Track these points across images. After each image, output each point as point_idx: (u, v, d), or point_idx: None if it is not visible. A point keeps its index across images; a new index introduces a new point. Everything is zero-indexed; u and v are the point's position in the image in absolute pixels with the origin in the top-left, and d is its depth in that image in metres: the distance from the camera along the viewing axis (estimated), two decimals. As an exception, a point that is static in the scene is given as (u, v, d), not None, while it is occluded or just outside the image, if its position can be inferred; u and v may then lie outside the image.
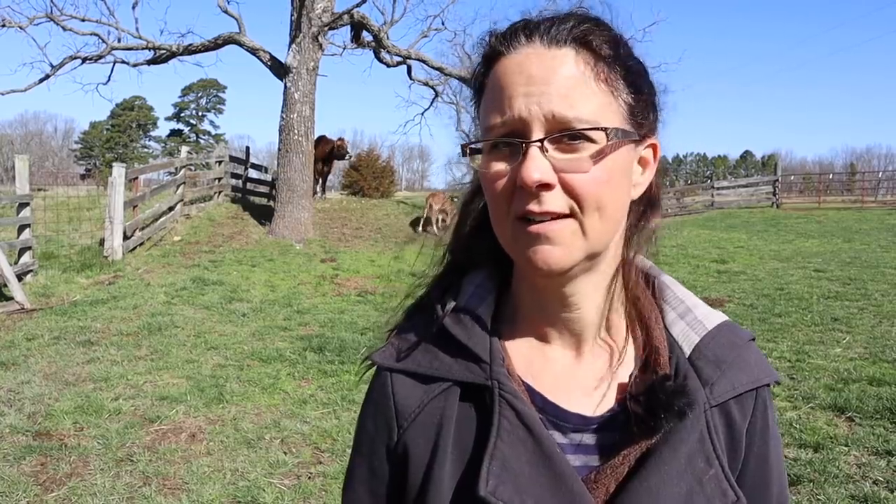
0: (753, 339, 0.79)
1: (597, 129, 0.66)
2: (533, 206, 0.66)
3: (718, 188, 24.71)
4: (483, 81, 0.73)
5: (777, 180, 24.28)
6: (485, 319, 0.77)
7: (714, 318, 0.78)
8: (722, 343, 0.75)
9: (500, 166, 0.69)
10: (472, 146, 0.72)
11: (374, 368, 0.81)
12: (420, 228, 15.42)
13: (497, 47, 0.71)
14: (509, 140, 0.68)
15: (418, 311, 0.83)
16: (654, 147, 0.75)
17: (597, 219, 0.68)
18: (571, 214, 0.67)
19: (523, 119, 0.67)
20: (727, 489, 0.71)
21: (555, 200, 0.66)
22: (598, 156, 0.67)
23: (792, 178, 35.53)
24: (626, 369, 0.76)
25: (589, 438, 0.73)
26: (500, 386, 0.72)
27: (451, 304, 0.79)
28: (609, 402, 0.74)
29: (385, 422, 0.77)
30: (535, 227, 0.67)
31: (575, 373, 0.76)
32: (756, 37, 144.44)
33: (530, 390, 0.74)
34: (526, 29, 0.70)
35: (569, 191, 0.67)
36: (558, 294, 0.74)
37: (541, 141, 0.66)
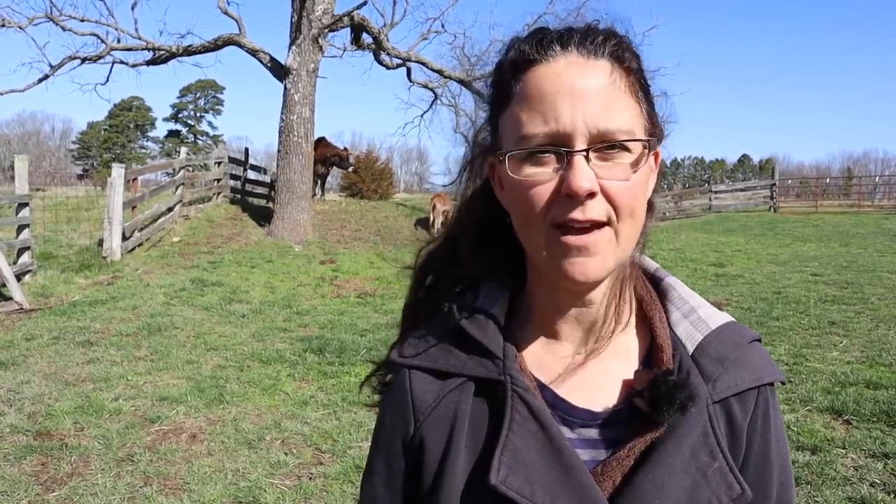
0: (759, 340, 0.81)
1: (636, 140, 0.70)
2: (577, 214, 0.68)
3: (716, 192, 24.76)
4: (510, 88, 0.74)
5: (774, 184, 24.35)
6: (498, 318, 0.80)
7: (718, 318, 0.80)
8: (725, 342, 0.78)
9: (536, 173, 0.70)
10: (509, 154, 0.72)
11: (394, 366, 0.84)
12: (433, 229, 15.48)
13: (531, 55, 0.72)
14: (556, 149, 0.69)
15: (435, 313, 0.86)
16: (656, 155, 0.79)
17: (629, 225, 0.71)
18: (608, 223, 0.70)
19: (567, 127, 0.69)
20: (732, 482, 0.72)
21: (597, 208, 0.69)
22: (636, 164, 0.70)
23: (789, 182, 35.63)
24: (632, 366, 0.78)
25: (596, 433, 0.76)
26: (512, 381, 0.75)
27: (465, 305, 0.82)
28: (615, 399, 0.77)
29: (402, 416, 0.80)
30: (572, 239, 0.69)
31: (584, 370, 0.78)
32: (754, 41, 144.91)
33: (541, 386, 0.77)
34: (561, 39, 0.72)
35: (609, 198, 0.69)
36: (577, 296, 0.77)
37: (586, 151, 0.68)
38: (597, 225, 0.69)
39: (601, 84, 0.70)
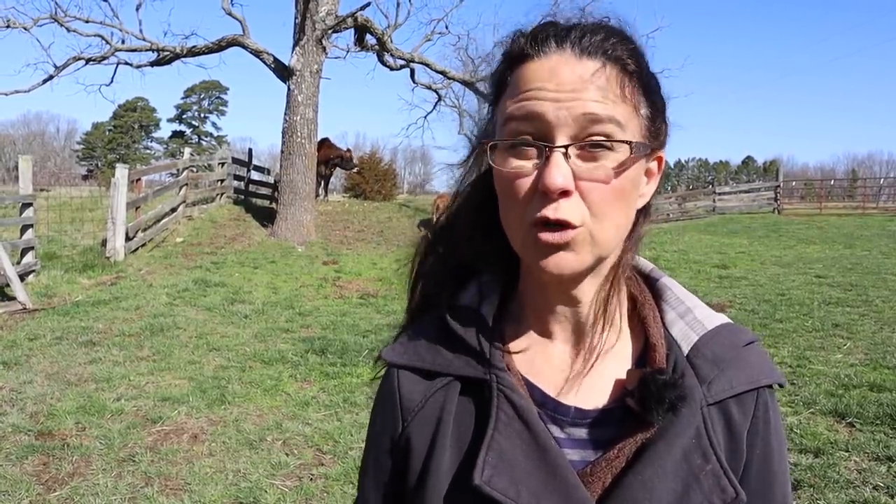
0: (756, 342, 0.79)
1: (622, 141, 0.68)
2: (549, 212, 0.67)
3: (720, 193, 24.70)
4: (505, 79, 0.74)
5: (778, 186, 24.25)
6: (486, 317, 0.79)
7: (714, 319, 0.79)
8: (721, 343, 0.76)
9: (519, 166, 0.70)
10: (491, 143, 0.72)
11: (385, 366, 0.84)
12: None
13: (526, 49, 0.72)
14: (535, 143, 0.69)
15: (425, 310, 0.85)
16: (659, 159, 0.78)
17: (606, 227, 0.70)
18: (583, 225, 0.69)
19: (550, 123, 0.68)
20: (726, 485, 0.71)
21: (571, 209, 0.68)
22: (620, 168, 0.69)
23: (793, 183, 35.47)
24: (625, 367, 0.77)
25: (586, 433, 0.74)
26: (498, 380, 0.74)
27: (455, 302, 0.81)
28: (606, 398, 0.76)
29: (391, 416, 0.80)
30: (546, 236, 0.68)
31: (574, 369, 0.77)
32: (758, 42, 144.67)
33: (529, 385, 0.76)
34: (557, 36, 0.71)
35: (586, 199, 0.68)
36: (564, 293, 0.76)
37: (566, 147, 0.67)
38: (569, 226, 0.68)
39: (591, 83, 0.68)
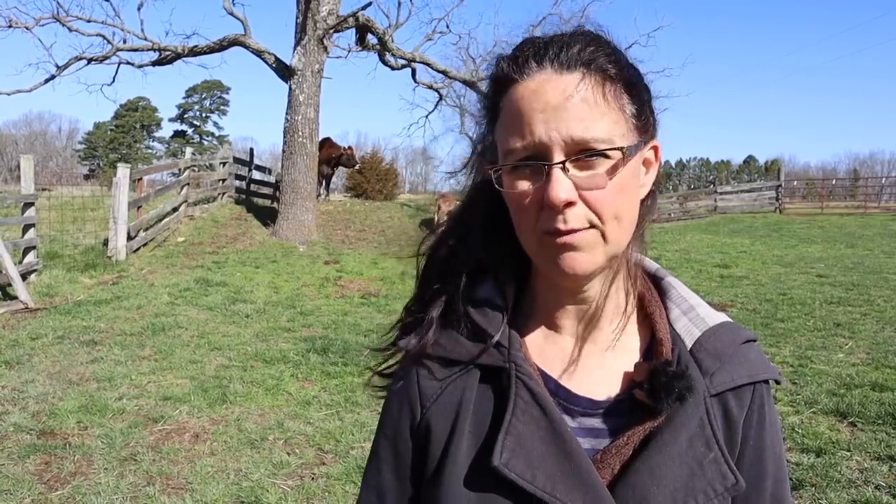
0: (755, 340, 0.83)
1: (613, 148, 0.72)
2: (559, 224, 0.71)
3: (721, 193, 24.63)
4: (497, 104, 0.77)
5: (780, 185, 24.18)
6: (504, 309, 0.82)
7: (716, 317, 0.83)
8: (722, 339, 0.81)
9: (523, 185, 0.74)
10: (495, 168, 0.77)
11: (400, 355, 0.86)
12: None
13: (510, 74, 0.75)
14: (533, 164, 0.73)
15: (441, 303, 0.87)
16: (655, 148, 0.81)
17: (615, 226, 0.74)
18: (592, 226, 0.72)
19: (544, 143, 0.72)
20: (727, 472, 0.75)
21: (577, 216, 0.72)
22: (613, 171, 0.72)
23: (795, 183, 35.43)
24: (632, 359, 0.81)
25: (597, 422, 0.78)
26: (516, 368, 0.77)
27: (472, 296, 0.84)
28: (616, 389, 0.80)
29: (409, 403, 0.82)
30: (561, 239, 0.72)
31: (586, 361, 0.81)
32: (760, 41, 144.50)
33: (544, 375, 0.80)
34: (536, 55, 0.74)
35: (589, 205, 0.72)
36: (574, 291, 0.80)
37: (562, 163, 0.71)
38: (581, 230, 0.72)
39: (575, 96, 0.72)
